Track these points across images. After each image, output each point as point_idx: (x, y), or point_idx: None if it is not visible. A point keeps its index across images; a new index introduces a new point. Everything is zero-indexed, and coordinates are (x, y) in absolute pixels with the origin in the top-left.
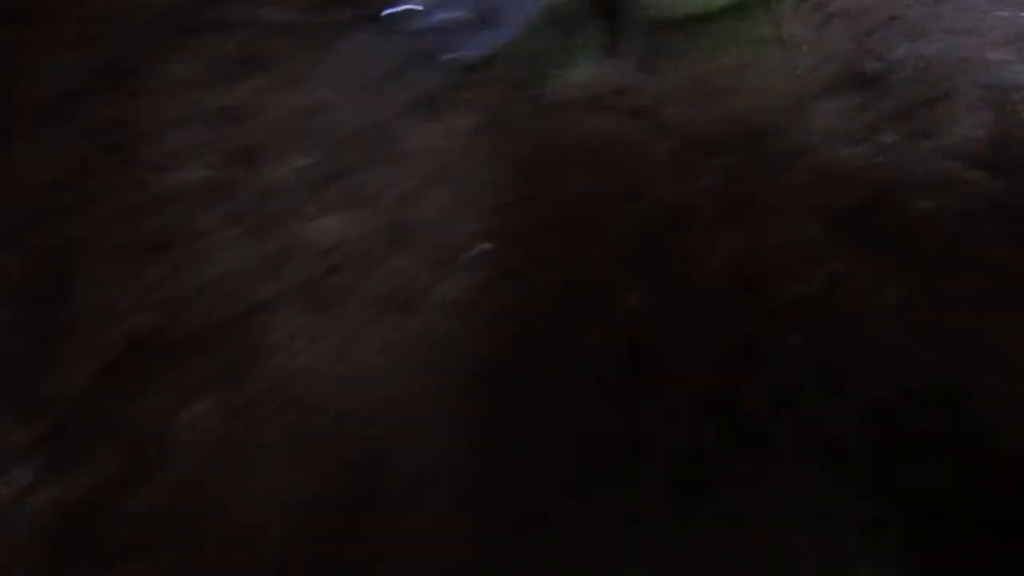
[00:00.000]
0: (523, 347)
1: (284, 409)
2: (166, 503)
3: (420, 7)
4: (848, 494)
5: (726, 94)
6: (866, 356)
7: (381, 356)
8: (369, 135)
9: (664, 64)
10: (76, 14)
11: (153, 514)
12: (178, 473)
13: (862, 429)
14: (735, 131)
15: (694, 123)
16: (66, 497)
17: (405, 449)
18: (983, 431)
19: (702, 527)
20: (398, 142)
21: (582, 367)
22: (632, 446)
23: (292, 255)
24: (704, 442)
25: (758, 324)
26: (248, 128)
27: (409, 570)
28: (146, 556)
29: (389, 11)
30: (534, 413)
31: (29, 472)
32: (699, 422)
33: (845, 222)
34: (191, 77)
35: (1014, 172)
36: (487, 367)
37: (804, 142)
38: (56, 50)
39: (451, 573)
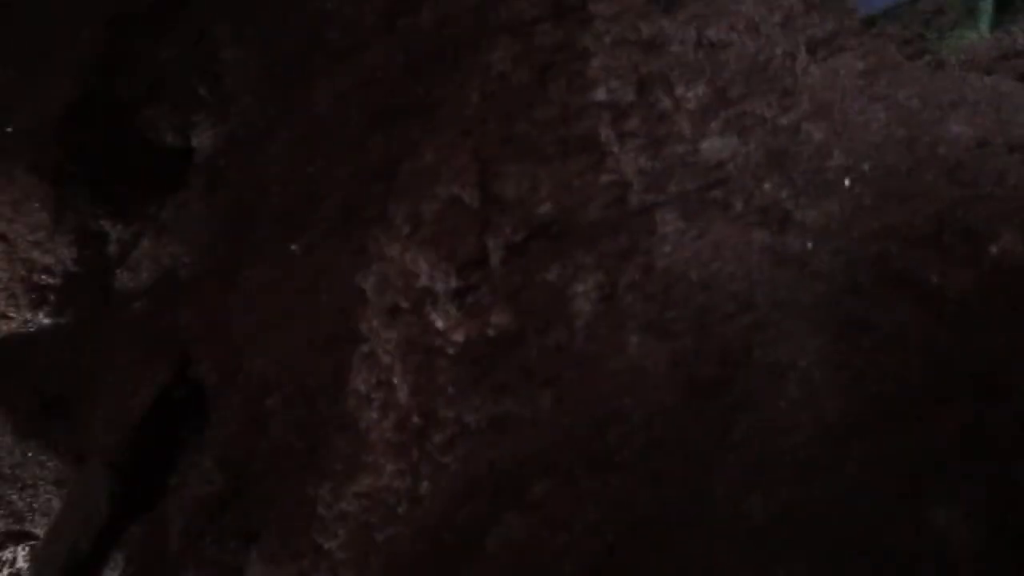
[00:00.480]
0: (878, 274)
1: (650, 299)
2: (542, 359)
3: None
4: None
5: None
6: None
7: (741, 267)
8: (760, 70)
9: None
10: None
11: (533, 365)
12: (557, 337)
13: None
14: None
15: None
16: (469, 338)
17: (756, 348)
18: None
19: None
20: (785, 78)
21: (938, 299)
22: (980, 380)
23: (677, 170)
24: None
25: None
26: (656, 58)
27: (754, 456)
28: (520, 400)
29: None
30: (881, 333)
31: (446, 313)
32: None
33: None
34: (618, 12)
35: None
36: (839, 292)
37: None
38: None
39: (795, 464)
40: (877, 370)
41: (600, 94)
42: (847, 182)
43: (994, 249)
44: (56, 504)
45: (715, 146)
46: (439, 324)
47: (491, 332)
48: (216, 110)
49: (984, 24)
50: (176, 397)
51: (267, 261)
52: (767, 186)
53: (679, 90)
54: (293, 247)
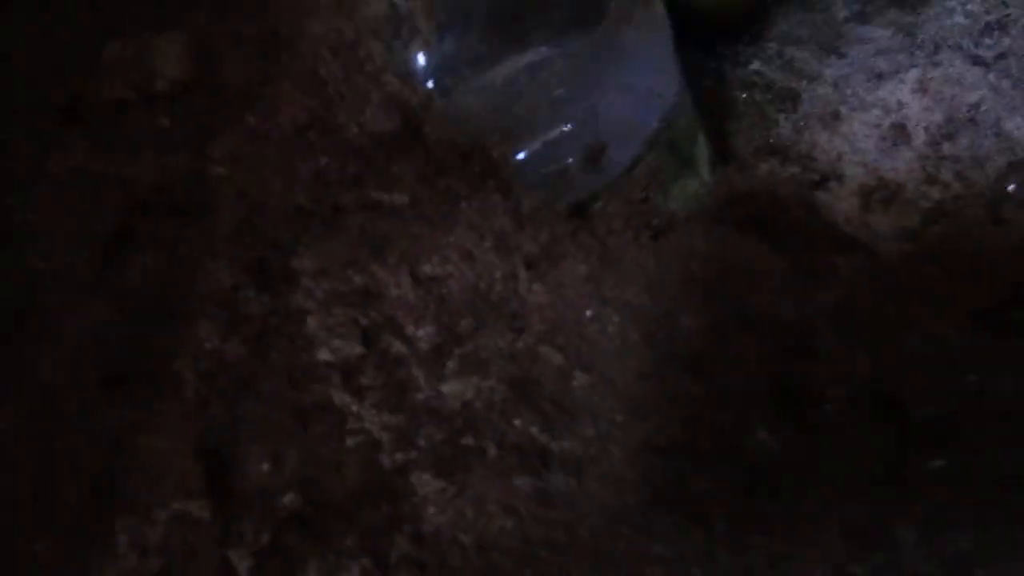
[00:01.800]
0: (649, 495)
1: (425, 573)
2: None
3: (525, 156)
4: None
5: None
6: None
7: (511, 519)
8: (484, 299)
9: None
10: (231, 214)
11: None
12: None
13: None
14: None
15: (805, 229)
16: None
17: None
18: None
19: None
20: (510, 302)
21: (708, 514)
22: None
23: (423, 419)
24: None
25: (897, 452)
26: (374, 306)
27: None
28: None
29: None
30: (665, 558)
31: None
32: (845, 561)
33: (986, 322)
34: (323, 265)
35: None
36: (616, 523)
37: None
38: (213, 248)
39: None
40: None
41: (324, 354)
42: (596, 399)
43: (749, 445)
44: None
45: (456, 388)
46: None
47: None
48: None
49: (704, 170)
50: None
51: (9, 569)
52: (517, 422)
53: (409, 331)
54: (37, 547)
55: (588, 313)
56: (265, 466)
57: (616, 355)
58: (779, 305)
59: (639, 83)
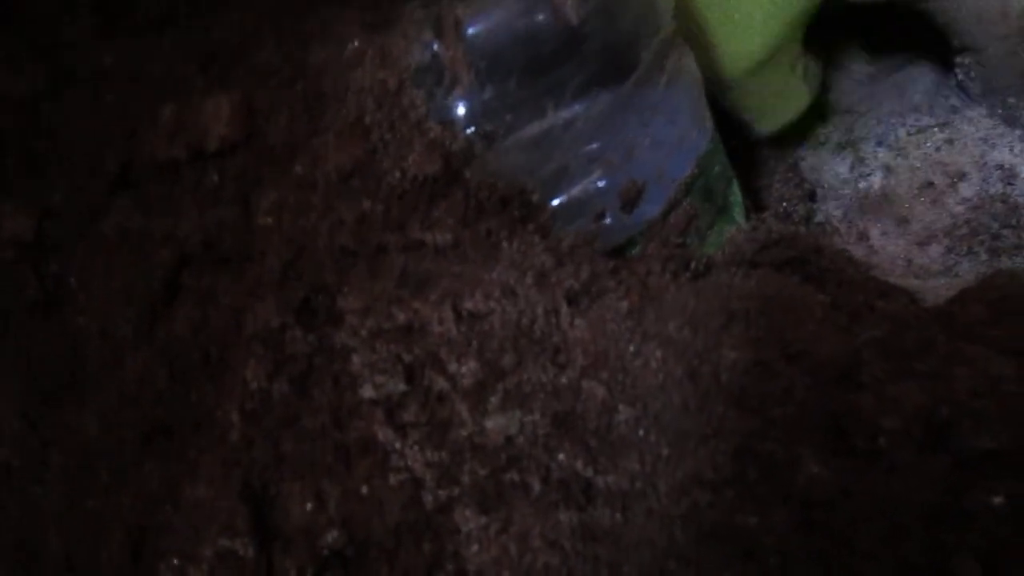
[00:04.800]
0: (697, 531)
1: None
2: None
3: (560, 204)
4: None
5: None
6: None
7: (555, 555)
8: (526, 334)
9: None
10: (276, 259)
11: None
12: None
13: None
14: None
15: (848, 269)
16: None
17: None
18: None
19: None
20: (552, 337)
21: (758, 550)
22: None
23: (466, 456)
24: None
25: (953, 485)
26: (417, 343)
27: None
28: None
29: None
30: None
31: None
32: None
33: None
34: (367, 304)
35: None
36: (663, 559)
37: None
38: (259, 292)
39: None
40: None
41: (367, 391)
42: (640, 434)
43: (799, 479)
44: None
45: (500, 423)
46: None
47: None
48: None
49: (739, 215)
50: None
51: None
52: (561, 456)
53: (451, 367)
54: None
55: (631, 348)
56: (308, 505)
57: (660, 389)
58: (823, 339)
59: (671, 134)
